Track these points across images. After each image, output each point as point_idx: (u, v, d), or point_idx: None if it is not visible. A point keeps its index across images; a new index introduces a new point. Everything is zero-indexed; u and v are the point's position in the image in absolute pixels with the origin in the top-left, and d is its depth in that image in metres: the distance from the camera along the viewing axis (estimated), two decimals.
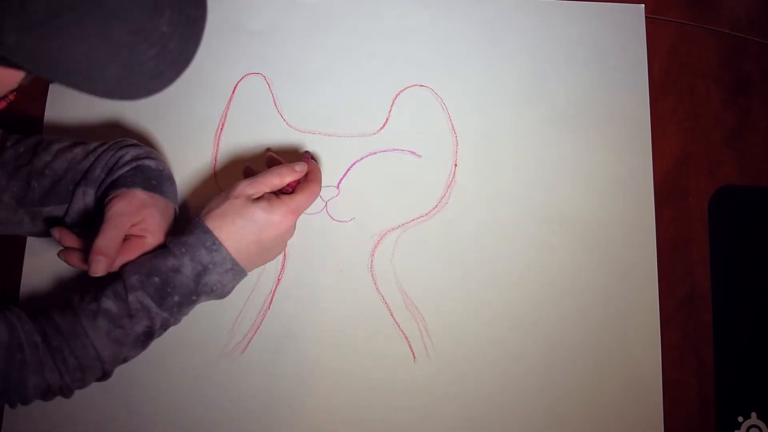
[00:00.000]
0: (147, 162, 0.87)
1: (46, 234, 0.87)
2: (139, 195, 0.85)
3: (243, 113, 0.99)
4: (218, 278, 0.82)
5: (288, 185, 0.87)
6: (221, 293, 0.84)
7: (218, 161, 0.97)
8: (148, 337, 0.82)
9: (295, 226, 0.86)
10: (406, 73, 1.01)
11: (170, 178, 0.90)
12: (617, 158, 1.00)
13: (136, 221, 0.84)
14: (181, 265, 0.81)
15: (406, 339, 0.94)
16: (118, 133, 0.96)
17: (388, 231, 0.96)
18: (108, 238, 0.82)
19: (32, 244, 0.94)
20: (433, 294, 0.95)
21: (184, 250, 0.81)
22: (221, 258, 0.82)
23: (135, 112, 0.98)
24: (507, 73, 1.02)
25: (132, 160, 0.87)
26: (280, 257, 0.95)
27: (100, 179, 0.86)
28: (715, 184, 1.01)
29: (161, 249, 0.84)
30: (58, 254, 0.86)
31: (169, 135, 0.98)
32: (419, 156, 0.99)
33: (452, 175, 0.98)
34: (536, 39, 1.04)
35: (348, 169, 0.97)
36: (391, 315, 0.94)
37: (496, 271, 0.96)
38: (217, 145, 0.97)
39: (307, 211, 0.91)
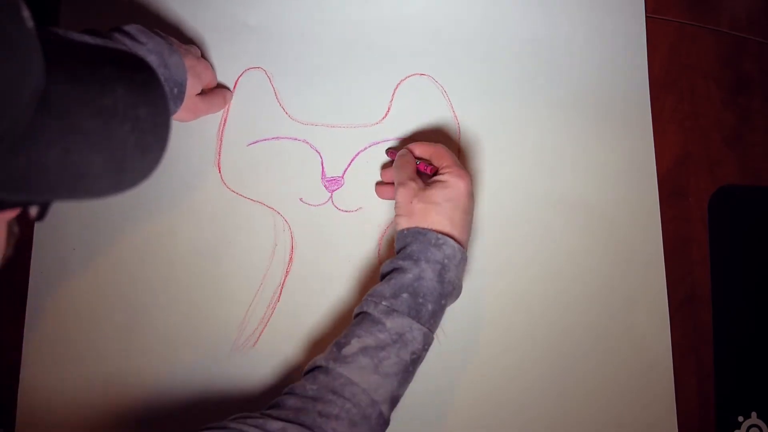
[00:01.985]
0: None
1: None
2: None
3: (245, 108, 0.98)
4: (455, 273, 0.83)
5: (420, 168, 0.91)
6: (459, 290, 0.85)
7: (222, 156, 0.97)
8: (415, 363, 0.80)
9: (472, 182, 0.87)
10: (407, 63, 1.01)
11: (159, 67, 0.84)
12: (619, 143, 1.01)
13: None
14: (422, 271, 0.81)
15: None
16: None
17: (393, 220, 0.96)
18: (215, 106, 0.95)
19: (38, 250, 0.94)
20: None
21: (416, 257, 0.82)
22: (451, 249, 0.82)
23: None
24: (507, 60, 1.02)
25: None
26: (288, 249, 0.95)
27: None
28: (715, 184, 1.01)
29: (389, 273, 0.83)
30: None
31: (172, 132, 0.97)
32: None
33: None
34: (536, 25, 1.04)
35: (352, 160, 0.97)
36: None
37: (502, 256, 0.96)
38: (221, 141, 0.97)
39: (313, 202, 0.94)
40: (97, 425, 0.90)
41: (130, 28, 0.83)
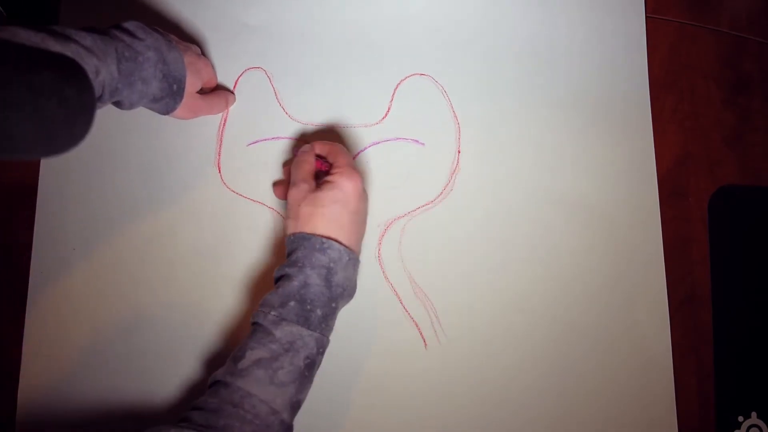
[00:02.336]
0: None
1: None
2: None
3: (245, 108, 0.98)
4: (343, 275, 0.83)
5: (318, 166, 0.90)
6: (351, 290, 0.85)
7: (222, 156, 0.97)
8: (310, 367, 0.81)
9: (362, 182, 0.87)
10: (407, 62, 1.01)
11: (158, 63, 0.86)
12: (619, 142, 1.01)
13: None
14: (307, 277, 0.81)
15: (417, 326, 0.93)
16: (119, 130, 0.96)
17: (395, 219, 0.96)
18: (216, 106, 0.95)
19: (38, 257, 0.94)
20: (441, 280, 0.95)
21: (300, 264, 0.82)
22: (336, 253, 0.82)
23: (136, 111, 0.98)
24: (507, 60, 1.03)
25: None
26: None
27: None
28: (715, 184, 1.01)
29: (279, 281, 0.84)
30: None
31: (171, 132, 0.97)
32: (422, 144, 0.99)
33: (456, 162, 0.98)
34: (536, 24, 1.04)
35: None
36: (401, 303, 0.94)
37: (503, 256, 0.96)
38: (221, 141, 0.97)
39: None
40: (97, 425, 0.90)
41: (129, 24, 0.83)
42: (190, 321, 0.91)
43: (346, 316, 0.92)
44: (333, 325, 0.84)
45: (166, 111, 0.89)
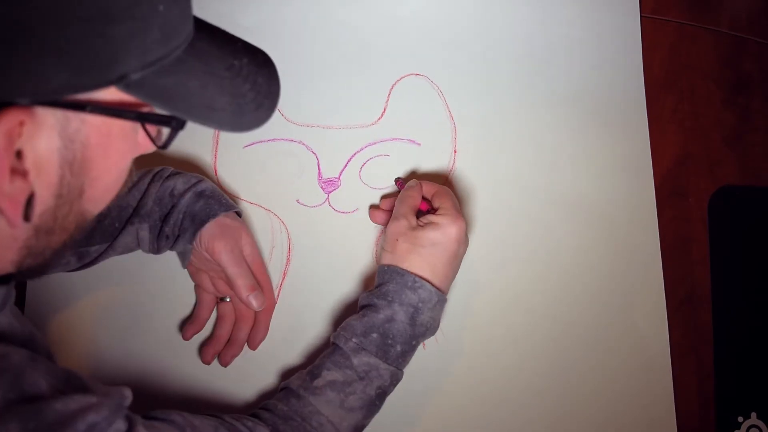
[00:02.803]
0: (201, 186, 0.88)
1: (86, 267, 0.88)
2: (227, 222, 0.87)
3: None
4: (430, 315, 0.83)
5: (422, 206, 0.90)
6: (434, 329, 0.85)
7: (218, 159, 0.97)
8: (381, 397, 0.82)
9: (465, 228, 0.87)
10: (402, 63, 1.02)
11: (219, 190, 0.91)
12: (615, 140, 1.01)
13: (242, 246, 0.88)
14: (394, 313, 0.82)
15: None
16: None
17: None
18: (245, 275, 0.86)
19: None
20: None
21: (390, 298, 0.83)
22: (427, 293, 0.83)
23: None
24: (502, 59, 1.03)
25: (186, 189, 0.87)
26: (285, 251, 0.95)
27: (154, 213, 0.86)
28: (715, 184, 1.01)
29: (363, 309, 0.85)
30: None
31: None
32: (418, 144, 0.99)
33: (452, 162, 0.99)
34: (531, 24, 1.04)
35: (348, 161, 0.98)
36: None
37: (500, 255, 0.96)
38: (217, 143, 0.97)
39: (310, 204, 0.95)
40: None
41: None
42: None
43: (343, 317, 0.92)
44: (410, 360, 0.85)
45: (204, 217, 0.86)
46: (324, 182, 0.96)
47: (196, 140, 0.97)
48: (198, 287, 0.92)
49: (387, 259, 0.86)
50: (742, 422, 0.94)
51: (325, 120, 0.99)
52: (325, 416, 0.78)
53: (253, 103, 0.60)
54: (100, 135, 0.53)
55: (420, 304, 0.82)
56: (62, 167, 0.52)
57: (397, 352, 0.82)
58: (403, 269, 0.84)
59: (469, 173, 0.98)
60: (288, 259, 0.95)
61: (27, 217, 0.51)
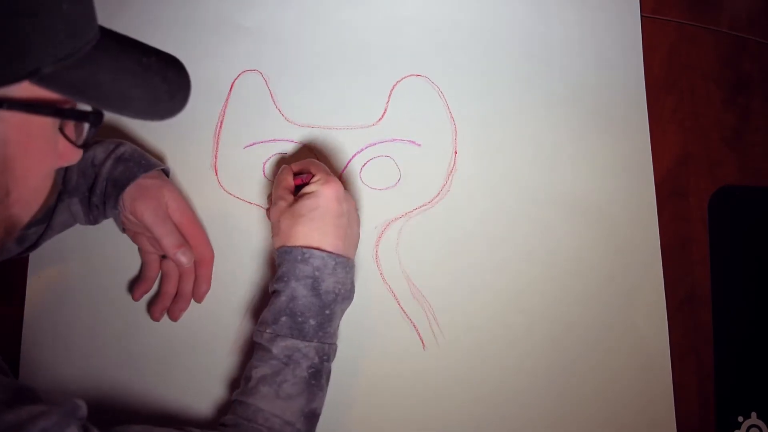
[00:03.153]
0: (120, 150, 0.88)
1: (29, 251, 0.89)
2: (147, 182, 0.87)
3: (241, 110, 0.99)
4: (333, 280, 0.83)
5: (297, 182, 0.90)
6: (347, 293, 0.85)
7: (219, 159, 0.97)
8: (316, 376, 0.82)
9: (341, 187, 0.87)
10: (402, 64, 1.02)
11: (141, 150, 0.91)
12: (615, 139, 1.01)
13: (165, 205, 0.89)
14: (293, 290, 0.82)
15: (415, 327, 0.93)
16: (117, 134, 0.97)
17: (392, 221, 0.96)
18: (169, 233, 0.87)
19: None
20: (439, 281, 0.95)
21: (285, 279, 0.83)
22: (320, 260, 0.83)
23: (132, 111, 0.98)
24: (503, 60, 1.03)
25: (106, 156, 0.87)
26: None
27: (81, 186, 0.87)
28: (715, 184, 1.01)
29: (271, 297, 0.85)
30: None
31: (168, 135, 0.98)
32: (419, 145, 0.99)
33: (453, 163, 0.99)
34: (532, 24, 1.04)
35: (349, 161, 0.98)
36: (399, 304, 0.94)
37: (501, 255, 0.96)
38: (217, 143, 0.97)
39: None
40: (96, 427, 0.90)
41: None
42: (188, 323, 0.91)
43: (344, 317, 0.92)
44: (334, 330, 0.85)
45: (125, 181, 0.87)
46: None
47: (196, 140, 0.97)
48: (140, 249, 0.93)
49: (276, 243, 0.87)
50: (742, 422, 0.94)
51: (325, 121, 0.99)
52: (267, 411, 0.79)
53: (166, 94, 0.62)
54: (20, 133, 0.54)
55: (317, 273, 0.82)
56: None
57: (312, 326, 0.82)
58: (290, 246, 0.84)
59: (469, 174, 0.98)
60: None
61: None
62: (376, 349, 0.92)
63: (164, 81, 0.61)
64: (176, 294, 0.91)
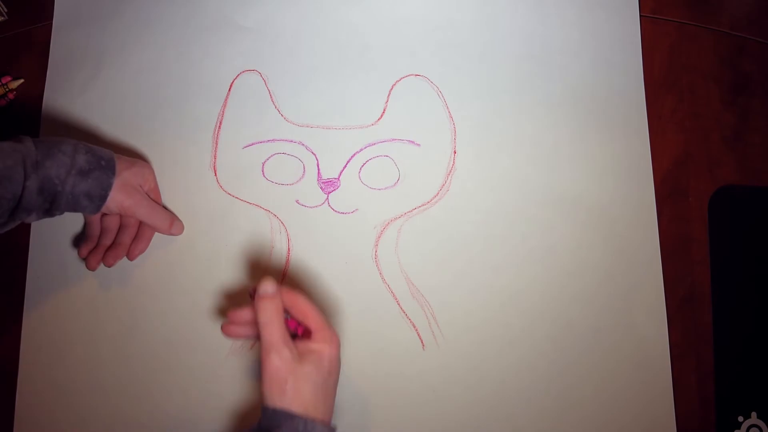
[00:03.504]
0: (78, 161, 0.86)
1: None
2: (120, 180, 0.88)
3: (240, 110, 0.99)
4: None
5: (290, 324, 0.81)
6: None
7: (218, 159, 0.97)
8: None
9: (338, 338, 0.81)
10: (401, 64, 1.02)
11: (87, 146, 0.89)
12: (615, 140, 1.01)
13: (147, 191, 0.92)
14: None
15: (414, 327, 0.93)
16: (116, 135, 0.97)
17: (391, 221, 0.96)
18: (161, 216, 0.92)
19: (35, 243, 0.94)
20: (438, 281, 0.95)
21: None
22: None
23: (133, 113, 0.98)
24: (502, 59, 1.03)
25: (67, 174, 0.85)
26: (285, 252, 0.95)
27: (39, 203, 0.84)
28: (715, 184, 1.01)
29: None
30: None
31: (167, 135, 0.98)
32: (418, 145, 0.99)
33: (452, 163, 0.99)
34: (531, 24, 1.04)
35: (348, 161, 0.98)
36: (398, 304, 0.94)
37: (500, 255, 0.96)
38: (216, 144, 0.98)
39: (309, 204, 0.95)
40: (95, 428, 0.90)
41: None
42: (187, 324, 0.91)
43: (343, 317, 0.92)
44: None
45: (101, 192, 0.86)
46: (323, 183, 0.96)
47: (195, 140, 0.98)
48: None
49: (274, 401, 0.76)
50: (742, 422, 0.94)
51: (324, 120, 0.99)
52: None
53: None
54: None
55: None
56: None
57: None
58: (293, 413, 0.76)
59: (468, 174, 0.98)
60: (287, 260, 0.95)
61: None
62: (376, 349, 0.92)
63: None
64: (113, 244, 0.93)
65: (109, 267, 0.92)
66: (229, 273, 0.93)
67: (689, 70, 1.04)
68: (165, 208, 0.95)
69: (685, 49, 1.05)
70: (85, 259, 0.93)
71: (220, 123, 0.98)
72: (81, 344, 0.91)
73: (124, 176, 0.89)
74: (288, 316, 0.81)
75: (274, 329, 0.78)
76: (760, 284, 0.98)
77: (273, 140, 0.98)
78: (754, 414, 0.94)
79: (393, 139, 0.98)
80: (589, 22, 1.04)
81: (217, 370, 0.91)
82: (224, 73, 1.00)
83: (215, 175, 0.97)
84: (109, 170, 0.87)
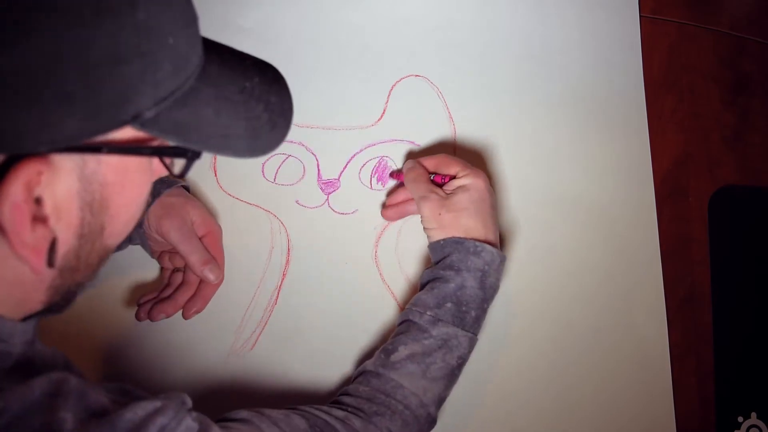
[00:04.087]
0: None
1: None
2: (171, 200, 0.87)
3: None
4: (496, 276, 0.85)
5: (436, 180, 0.90)
6: (497, 289, 0.86)
7: (218, 160, 0.98)
8: (461, 366, 0.83)
9: (487, 178, 0.89)
10: (401, 64, 1.02)
11: None
12: (615, 140, 1.01)
13: (191, 221, 0.87)
14: (464, 280, 0.83)
15: None
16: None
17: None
18: (197, 250, 0.86)
19: None
20: None
21: (457, 267, 0.84)
22: (490, 255, 0.84)
23: None
24: (502, 60, 1.03)
25: None
26: (285, 252, 0.95)
27: None
28: (715, 184, 1.01)
29: (430, 282, 0.85)
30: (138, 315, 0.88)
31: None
32: (418, 145, 0.99)
33: None
34: (531, 24, 1.05)
35: (348, 162, 0.98)
36: (398, 304, 0.94)
37: None
38: None
39: (309, 205, 0.95)
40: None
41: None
42: (188, 325, 0.91)
43: (343, 317, 0.92)
44: (482, 325, 0.86)
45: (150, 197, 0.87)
46: (323, 183, 0.96)
47: None
48: (162, 268, 0.93)
49: (438, 235, 0.86)
50: (742, 422, 0.94)
51: (324, 121, 0.99)
52: (409, 389, 0.79)
53: (267, 125, 0.60)
54: (118, 173, 0.53)
55: (486, 267, 0.84)
56: (82, 209, 0.52)
57: (472, 318, 0.83)
58: (461, 237, 0.84)
59: None
60: (287, 260, 0.95)
61: (51, 262, 0.51)
62: (375, 349, 0.92)
63: (266, 108, 0.60)
64: (167, 297, 0.89)
65: (153, 321, 0.88)
66: (229, 273, 0.93)
67: (689, 70, 1.04)
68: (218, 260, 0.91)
69: (684, 49, 1.05)
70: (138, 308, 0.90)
71: None
72: (80, 345, 0.91)
73: (175, 200, 0.87)
74: (433, 176, 0.91)
75: (420, 185, 0.89)
76: (760, 284, 0.98)
77: None
78: (753, 414, 0.94)
79: (393, 140, 0.98)
80: (589, 22, 1.05)
81: (217, 371, 0.91)
82: None
83: (215, 175, 0.97)
84: (165, 185, 0.87)
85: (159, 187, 0.86)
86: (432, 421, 0.81)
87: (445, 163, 0.90)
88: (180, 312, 0.88)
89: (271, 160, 0.97)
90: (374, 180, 0.97)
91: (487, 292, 0.84)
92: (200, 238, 0.88)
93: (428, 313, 0.82)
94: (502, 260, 0.86)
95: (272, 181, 0.97)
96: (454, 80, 1.01)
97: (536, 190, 0.98)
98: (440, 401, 0.82)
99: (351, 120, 0.99)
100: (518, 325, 0.94)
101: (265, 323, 0.93)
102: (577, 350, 0.93)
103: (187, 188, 0.92)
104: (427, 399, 0.79)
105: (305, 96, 0.99)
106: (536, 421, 0.91)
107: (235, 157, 0.59)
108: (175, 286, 0.90)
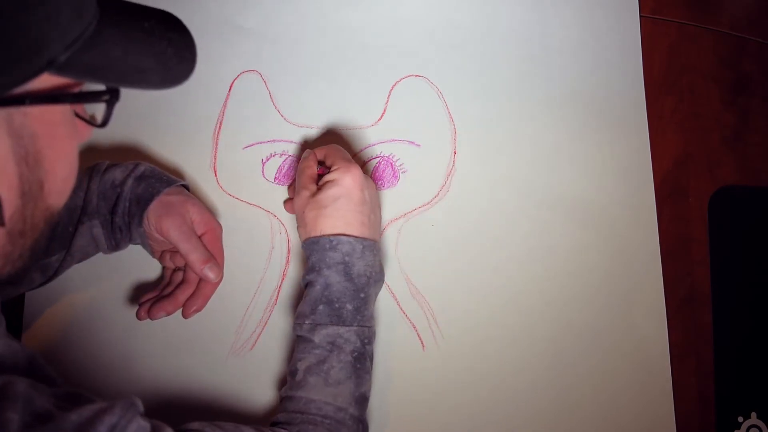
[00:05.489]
0: (140, 169, 0.88)
1: (50, 280, 0.88)
2: (171, 198, 0.87)
3: (240, 111, 0.99)
4: (363, 263, 0.84)
5: (320, 171, 0.90)
6: (377, 275, 0.86)
7: (218, 160, 0.97)
8: (360, 359, 0.83)
9: (361, 173, 0.87)
10: (402, 64, 1.02)
11: (159, 168, 0.91)
12: (615, 140, 1.01)
13: (190, 220, 0.87)
14: (326, 278, 0.83)
15: (414, 328, 0.93)
16: (116, 136, 0.97)
17: (391, 221, 0.97)
18: (197, 249, 0.86)
19: None
20: (438, 282, 0.95)
21: (317, 268, 0.84)
22: (347, 245, 0.84)
23: (134, 113, 0.98)
24: (502, 60, 1.03)
25: (126, 176, 0.87)
26: (285, 252, 0.95)
27: (102, 208, 0.86)
28: (715, 184, 1.01)
29: (305, 290, 0.86)
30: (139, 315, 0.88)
31: (167, 136, 0.98)
32: (418, 145, 0.99)
33: (452, 163, 0.99)
34: (531, 24, 1.04)
35: None
36: (398, 305, 0.94)
37: (500, 256, 0.96)
38: (216, 144, 0.97)
39: None
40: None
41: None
42: (188, 325, 0.91)
43: None
44: (371, 314, 0.86)
45: (149, 196, 0.87)
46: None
47: (195, 141, 0.98)
48: (164, 267, 0.93)
49: (302, 235, 0.87)
50: (742, 422, 0.94)
51: (324, 121, 0.99)
52: (319, 400, 0.79)
53: (175, 58, 0.61)
54: (45, 124, 0.54)
55: (347, 258, 0.83)
56: (18, 164, 0.52)
57: (350, 311, 0.83)
58: (317, 236, 0.84)
59: (468, 174, 0.98)
60: (287, 260, 0.95)
61: (1, 221, 0.52)
62: (376, 349, 0.92)
63: (170, 44, 0.61)
64: (167, 296, 0.89)
65: (153, 320, 0.88)
66: (228, 273, 0.93)
67: (689, 70, 1.04)
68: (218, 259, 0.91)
69: (684, 49, 1.05)
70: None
71: (221, 123, 0.98)
72: (80, 346, 0.91)
73: (175, 198, 0.87)
74: (319, 166, 0.91)
75: (300, 179, 0.89)
76: (760, 284, 0.98)
77: (273, 140, 0.98)
78: (753, 414, 0.94)
79: (393, 140, 0.98)
80: (589, 22, 1.05)
81: (217, 371, 0.91)
82: (224, 73, 1.00)
83: (215, 175, 0.97)
84: (164, 183, 0.87)
85: (159, 186, 0.86)
86: (359, 420, 0.82)
87: (330, 155, 0.90)
88: (180, 312, 0.88)
89: (271, 160, 0.97)
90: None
91: (357, 281, 0.84)
92: (200, 237, 0.88)
93: (306, 322, 0.83)
94: (367, 246, 0.85)
95: (272, 181, 0.97)
96: (454, 80, 1.01)
97: (536, 190, 0.98)
98: (359, 400, 0.82)
99: (351, 120, 0.99)
100: (518, 325, 0.94)
101: (265, 323, 0.93)
102: (576, 350, 0.93)
103: (186, 187, 0.92)
104: (341, 403, 0.80)
105: (305, 96, 1.00)
106: (536, 421, 0.91)
107: (151, 89, 0.61)
108: (176, 285, 0.90)
